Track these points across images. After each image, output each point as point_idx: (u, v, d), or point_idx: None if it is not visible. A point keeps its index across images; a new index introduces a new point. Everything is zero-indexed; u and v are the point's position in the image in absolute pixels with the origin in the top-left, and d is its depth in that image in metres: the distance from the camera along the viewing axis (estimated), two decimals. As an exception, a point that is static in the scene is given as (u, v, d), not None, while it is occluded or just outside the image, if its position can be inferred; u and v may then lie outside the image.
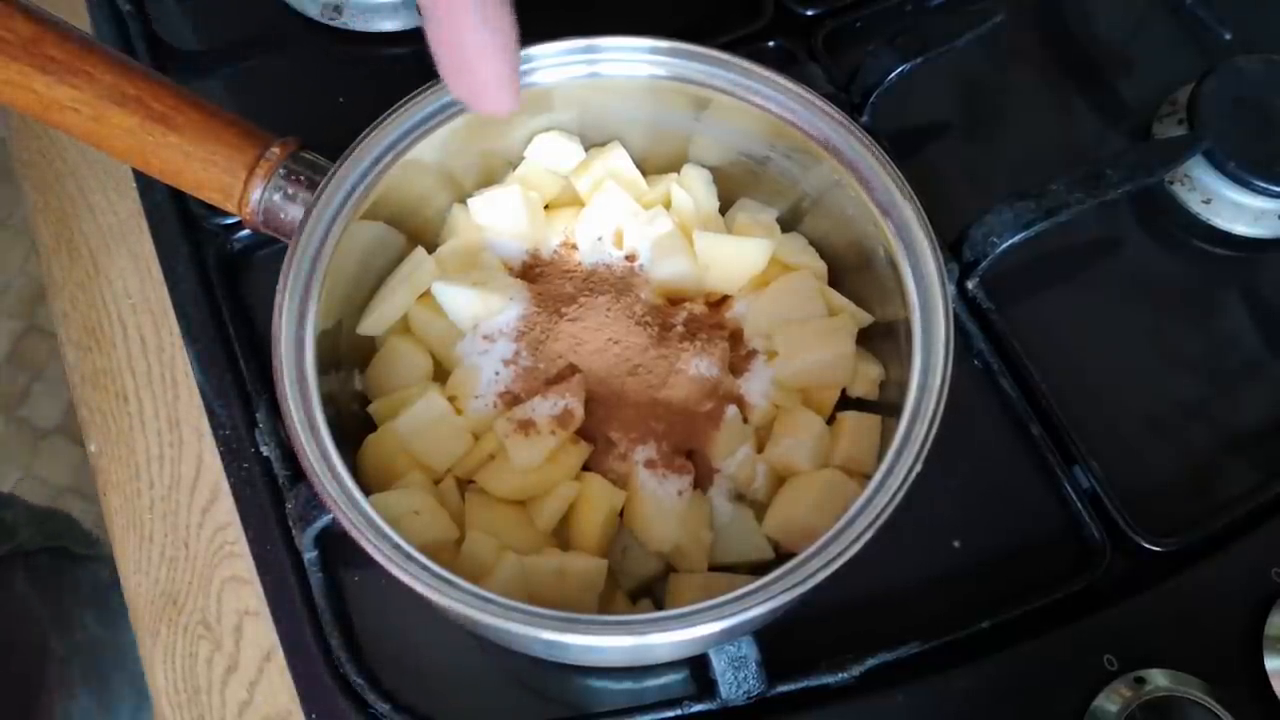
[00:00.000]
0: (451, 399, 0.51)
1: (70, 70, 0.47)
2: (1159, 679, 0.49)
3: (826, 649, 0.51)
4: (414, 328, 0.54)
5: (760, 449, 0.51)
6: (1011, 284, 0.59)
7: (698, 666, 0.51)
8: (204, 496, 0.57)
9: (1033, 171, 0.61)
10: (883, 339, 0.53)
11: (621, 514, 0.50)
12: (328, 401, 0.45)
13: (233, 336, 0.58)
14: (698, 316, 0.53)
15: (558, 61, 0.51)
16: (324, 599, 0.52)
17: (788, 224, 0.56)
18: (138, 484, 0.57)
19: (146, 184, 0.63)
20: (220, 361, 0.58)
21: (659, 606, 0.50)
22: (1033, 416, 0.56)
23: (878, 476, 0.43)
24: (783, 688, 0.50)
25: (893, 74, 0.61)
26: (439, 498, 0.50)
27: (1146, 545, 0.53)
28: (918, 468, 0.43)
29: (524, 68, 0.51)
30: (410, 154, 0.50)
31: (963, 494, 0.55)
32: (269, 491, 0.55)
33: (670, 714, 0.50)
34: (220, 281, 0.60)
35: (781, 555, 0.50)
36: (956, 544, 0.54)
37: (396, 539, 0.42)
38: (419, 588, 0.41)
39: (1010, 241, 0.57)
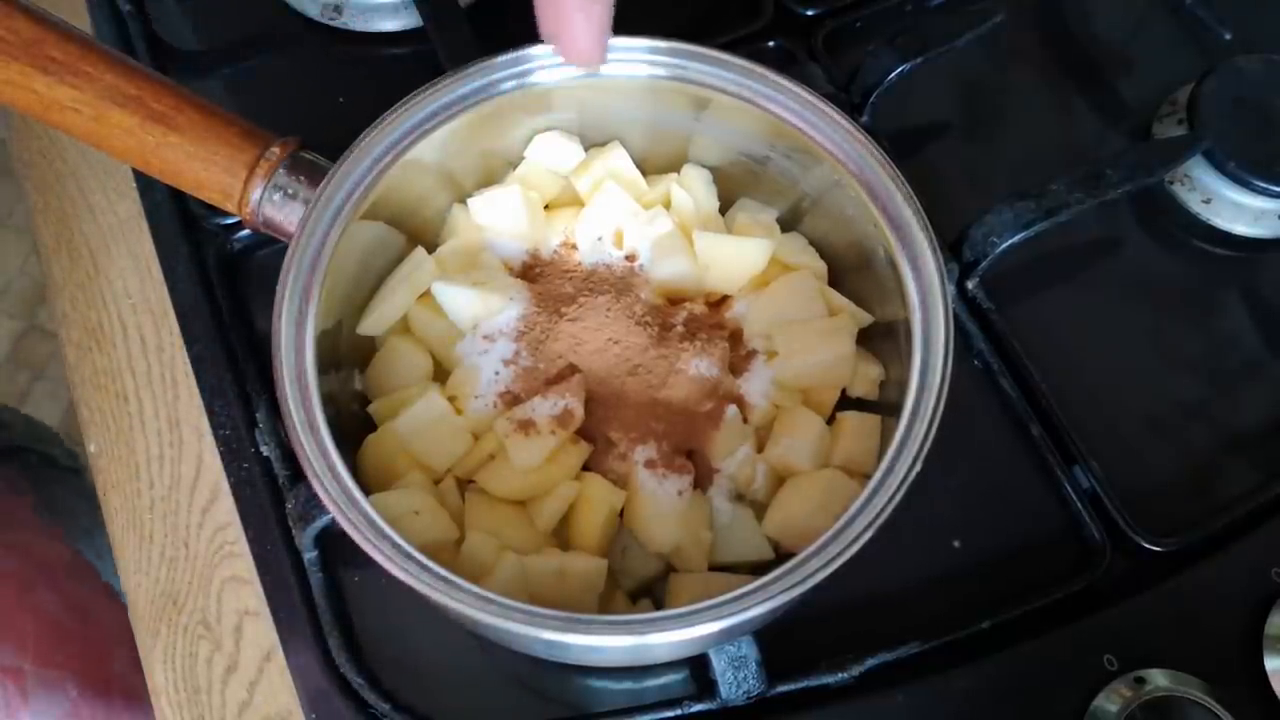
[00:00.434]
0: (451, 399, 0.51)
1: (71, 70, 0.47)
2: (1159, 679, 0.49)
3: (826, 649, 0.51)
4: (414, 328, 0.54)
5: (760, 449, 0.51)
6: (1011, 284, 0.59)
7: (698, 666, 0.51)
8: (204, 496, 0.57)
9: (1033, 171, 0.61)
10: (883, 339, 0.53)
11: (621, 514, 0.50)
12: (328, 401, 0.45)
13: (233, 336, 0.58)
14: (698, 316, 0.53)
15: (558, 61, 0.51)
16: (324, 599, 0.52)
17: (788, 224, 0.56)
18: (138, 484, 0.57)
19: (146, 184, 0.63)
20: (220, 361, 0.58)
21: (659, 606, 0.50)
22: (1033, 416, 0.56)
23: (877, 476, 0.43)
24: (783, 688, 0.50)
25: (893, 74, 0.61)
26: (439, 498, 0.50)
27: (1146, 545, 0.53)
28: (918, 468, 0.43)
29: (524, 67, 0.51)
30: (410, 154, 0.50)
31: (963, 494, 0.55)
32: (269, 491, 0.55)
33: (670, 714, 0.50)
34: (220, 281, 0.60)
35: (781, 555, 0.50)
36: (956, 544, 0.54)
37: (396, 539, 0.42)
38: (419, 588, 0.41)
39: (1010, 241, 0.57)
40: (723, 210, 0.57)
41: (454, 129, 0.51)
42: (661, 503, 0.49)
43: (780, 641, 0.49)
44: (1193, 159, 0.62)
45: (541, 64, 0.51)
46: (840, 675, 0.50)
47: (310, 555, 0.53)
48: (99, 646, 0.70)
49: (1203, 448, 0.58)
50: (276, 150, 0.49)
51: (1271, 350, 0.61)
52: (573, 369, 0.51)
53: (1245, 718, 0.48)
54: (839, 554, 0.42)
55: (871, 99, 0.62)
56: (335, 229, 0.48)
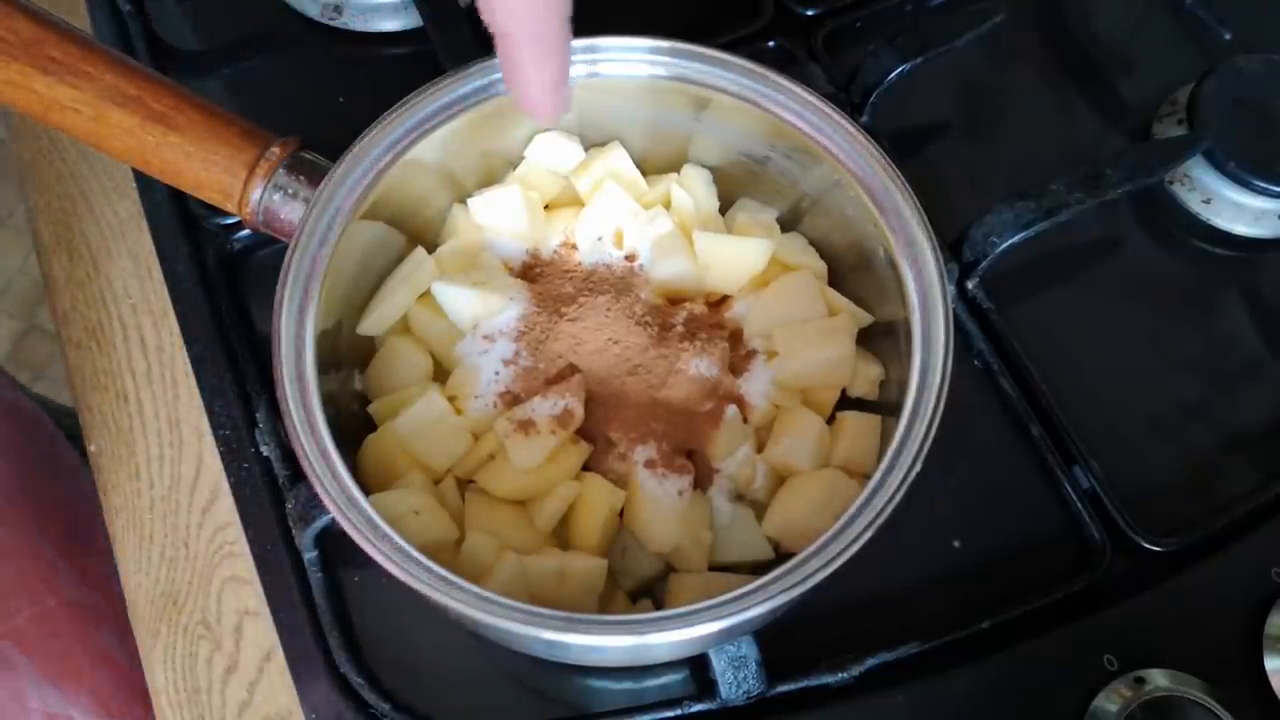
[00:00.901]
0: (451, 399, 0.51)
1: (71, 70, 0.47)
2: (1159, 679, 0.49)
3: (826, 649, 0.51)
4: (414, 328, 0.54)
5: (760, 449, 0.51)
6: (1011, 284, 0.59)
7: (698, 666, 0.51)
8: (204, 496, 0.57)
9: (1033, 171, 0.61)
10: (883, 339, 0.53)
11: (621, 514, 0.50)
12: (328, 401, 0.45)
13: (233, 336, 0.58)
14: (698, 316, 0.53)
15: (558, 61, 0.51)
16: (324, 599, 0.52)
17: (788, 224, 0.56)
18: (138, 484, 0.57)
19: (146, 184, 0.63)
20: (220, 361, 0.58)
21: (659, 606, 0.50)
22: (1033, 416, 0.56)
23: (877, 476, 0.43)
24: (783, 688, 0.50)
25: (893, 74, 0.61)
26: (439, 498, 0.50)
27: (1146, 545, 0.53)
28: (917, 468, 0.43)
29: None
30: (410, 154, 0.50)
31: (963, 494, 0.55)
32: (269, 491, 0.55)
33: (670, 714, 0.50)
34: (220, 281, 0.60)
35: (781, 555, 0.50)
36: (956, 544, 0.54)
37: (396, 539, 0.42)
38: (419, 588, 0.41)
39: (1010, 241, 0.57)
40: (723, 210, 0.57)
41: (454, 129, 0.51)
42: (661, 503, 0.49)
43: (780, 641, 0.49)
44: (1193, 159, 0.62)
45: (541, 64, 0.51)
46: (840, 675, 0.50)
47: (310, 555, 0.53)
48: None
49: (1203, 448, 0.58)
50: (276, 150, 0.49)
51: (1271, 350, 0.61)
52: (573, 369, 0.51)
53: (1245, 718, 0.48)
54: (839, 554, 0.42)
55: (871, 99, 0.62)
56: (335, 229, 0.48)
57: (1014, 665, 0.51)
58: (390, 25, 0.68)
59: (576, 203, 0.56)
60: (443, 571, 0.42)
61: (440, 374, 0.53)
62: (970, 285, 0.58)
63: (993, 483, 0.56)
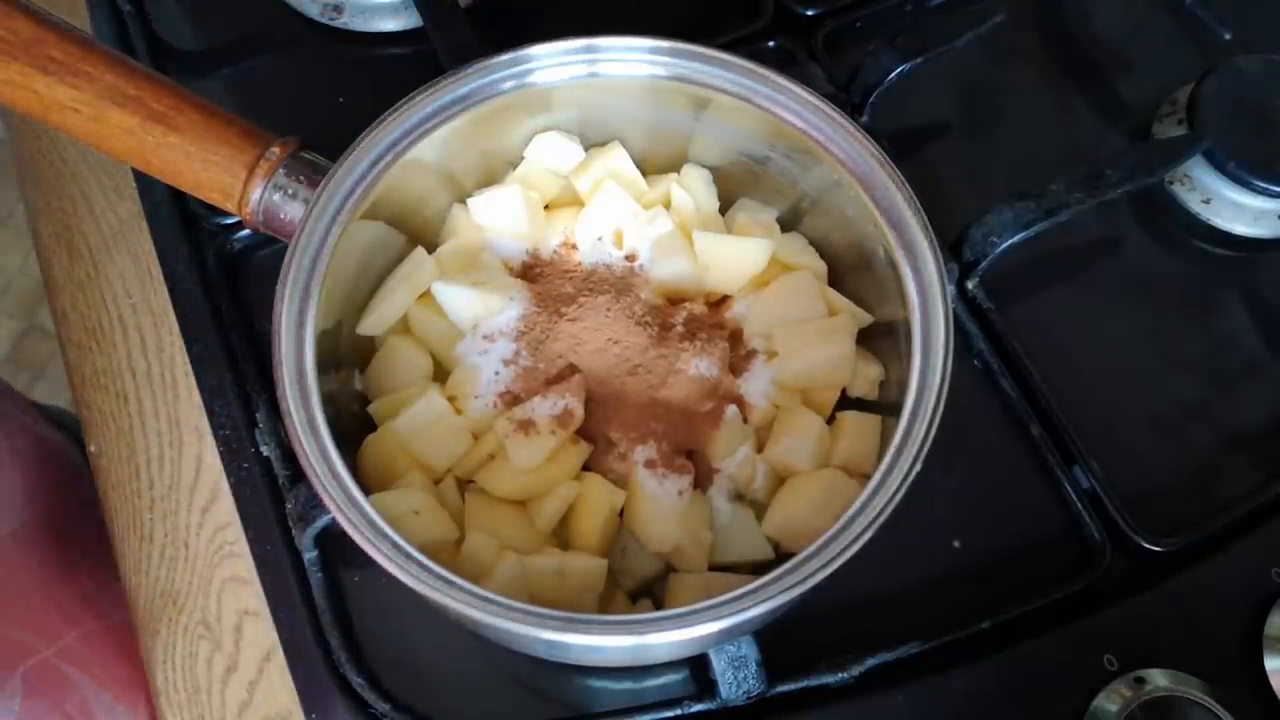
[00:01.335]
0: (451, 399, 0.51)
1: (70, 70, 0.47)
2: (1159, 679, 0.49)
3: (826, 649, 0.51)
4: (414, 328, 0.54)
5: (760, 449, 0.51)
6: (1011, 284, 0.59)
7: (698, 666, 0.51)
8: (204, 496, 0.57)
9: (1033, 171, 0.61)
10: (883, 339, 0.53)
11: (621, 514, 0.50)
12: (328, 401, 0.45)
13: (233, 336, 0.58)
14: (698, 316, 0.53)
15: (558, 61, 0.51)
16: (324, 599, 0.52)
17: (788, 224, 0.56)
18: (138, 484, 0.57)
19: (146, 184, 0.63)
20: (220, 361, 0.58)
21: (659, 606, 0.50)
22: (1033, 416, 0.56)
23: (877, 476, 0.43)
24: (783, 688, 0.50)
25: (893, 74, 0.61)
26: (439, 498, 0.50)
27: (1146, 545, 0.53)
28: (917, 468, 0.43)
29: (524, 67, 0.51)
30: (410, 154, 0.50)
31: (963, 494, 0.55)
32: (269, 491, 0.55)
33: (670, 714, 0.50)
34: (220, 281, 0.60)
35: (781, 555, 0.50)
36: (956, 544, 0.54)
37: (396, 539, 0.42)
38: (419, 588, 0.41)
39: (1010, 241, 0.57)
40: (723, 210, 0.57)
41: (454, 129, 0.51)
42: (661, 503, 0.49)
43: (780, 641, 0.49)
44: (1193, 159, 0.62)
45: (541, 64, 0.51)
46: (840, 675, 0.50)
47: (310, 555, 0.53)
48: None
49: (1203, 448, 0.58)
50: (276, 150, 0.49)
51: (1271, 350, 0.61)
52: (573, 369, 0.51)
53: (1245, 718, 0.48)
54: (839, 554, 0.42)
55: (871, 99, 0.62)
56: (335, 229, 0.48)
57: (1014, 665, 0.51)
58: (390, 25, 0.68)
59: (576, 203, 0.56)
60: (443, 571, 0.42)
61: (440, 374, 0.53)
62: (970, 285, 0.58)
63: (993, 483, 0.56)
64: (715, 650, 0.48)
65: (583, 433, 0.51)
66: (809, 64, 0.66)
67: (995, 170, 0.66)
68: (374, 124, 0.50)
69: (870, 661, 0.50)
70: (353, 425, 0.51)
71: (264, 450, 0.55)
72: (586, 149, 0.56)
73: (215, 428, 0.57)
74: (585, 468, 0.51)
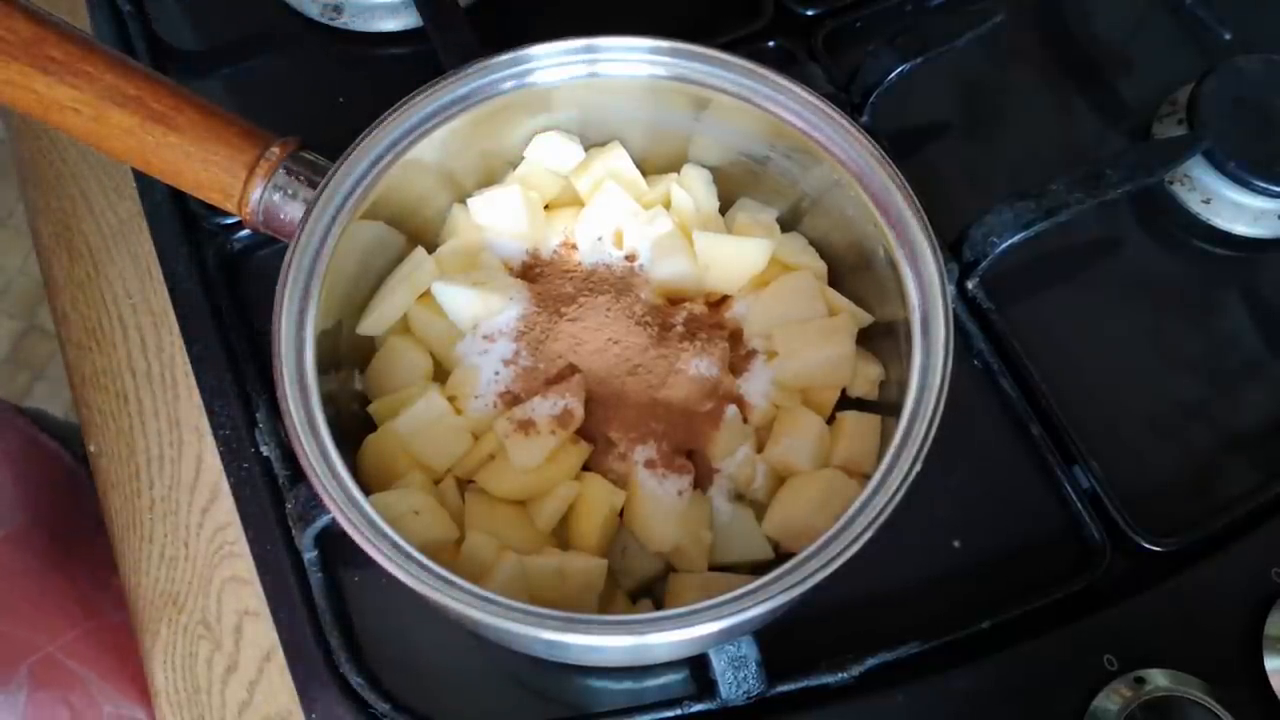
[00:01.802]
0: (451, 399, 0.51)
1: (70, 70, 0.47)
2: (1159, 679, 0.49)
3: (826, 649, 0.51)
4: (414, 328, 0.54)
5: (760, 449, 0.51)
6: (1011, 284, 0.59)
7: (698, 666, 0.51)
8: (204, 496, 0.57)
9: (1033, 171, 0.61)
10: (883, 339, 0.53)
11: (621, 514, 0.50)
12: (328, 401, 0.45)
13: (233, 336, 0.58)
14: (698, 316, 0.53)
15: (558, 61, 0.51)
16: (324, 599, 0.52)
17: (788, 224, 0.56)
18: (138, 484, 0.57)
19: (146, 184, 0.63)
20: (220, 361, 0.58)
21: (659, 606, 0.50)
22: (1033, 416, 0.56)
23: (877, 476, 0.43)
24: (783, 688, 0.50)
25: (893, 74, 0.61)
26: (439, 498, 0.50)
27: (1146, 545, 0.53)
28: (917, 468, 0.43)
29: (524, 67, 0.51)
30: (410, 154, 0.50)
31: (963, 494, 0.55)
32: (269, 491, 0.55)
33: (670, 714, 0.50)
34: (220, 281, 0.60)
35: (781, 555, 0.50)
36: (956, 544, 0.54)
37: (396, 539, 0.42)
38: (419, 588, 0.41)
39: (1010, 241, 0.57)
40: (723, 210, 0.57)
41: (454, 129, 0.51)
42: (661, 503, 0.49)
43: (780, 641, 0.49)
44: (1193, 159, 0.62)
45: (541, 64, 0.51)
46: (840, 675, 0.50)
47: (310, 555, 0.53)
48: None
49: (1203, 448, 0.58)
50: (276, 150, 0.49)
51: (1271, 350, 0.61)
52: (573, 369, 0.51)
53: (1245, 718, 0.48)
54: (839, 554, 0.42)
55: (871, 99, 0.62)
56: (335, 229, 0.48)
57: (1014, 665, 0.51)
58: (390, 25, 0.68)
59: (576, 203, 0.56)
60: (443, 571, 0.42)
61: (440, 374, 0.53)
62: (970, 285, 0.58)
63: (993, 483, 0.56)
64: (715, 650, 0.48)
65: (583, 433, 0.51)
66: (809, 64, 0.66)
67: (995, 170, 0.66)
68: (374, 124, 0.50)
69: (870, 661, 0.50)
70: (353, 425, 0.51)
71: (264, 450, 0.55)
72: (586, 149, 0.56)
73: (215, 428, 0.57)
74: (585, 468, 0.51)
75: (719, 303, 0.55)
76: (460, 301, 0.52)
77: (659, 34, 0.51)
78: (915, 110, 0.67)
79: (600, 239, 0.55)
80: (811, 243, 0.56)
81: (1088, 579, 0.52)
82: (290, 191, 0.49)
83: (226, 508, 0.56)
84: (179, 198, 0.61)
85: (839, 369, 0.52)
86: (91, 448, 0.59)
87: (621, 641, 0.41)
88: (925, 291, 0.47)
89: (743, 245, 0.53)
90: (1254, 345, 0.61)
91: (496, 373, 0.52)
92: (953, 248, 0.58)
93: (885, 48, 0.62)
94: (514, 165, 0.56)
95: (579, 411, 0.50)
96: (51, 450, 0.77)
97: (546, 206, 0.56)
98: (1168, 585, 0.53)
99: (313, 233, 0.48)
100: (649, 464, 0.50)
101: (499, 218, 0.54)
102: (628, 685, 0.52)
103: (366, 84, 0.67)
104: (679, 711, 0.50)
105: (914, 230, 0.48)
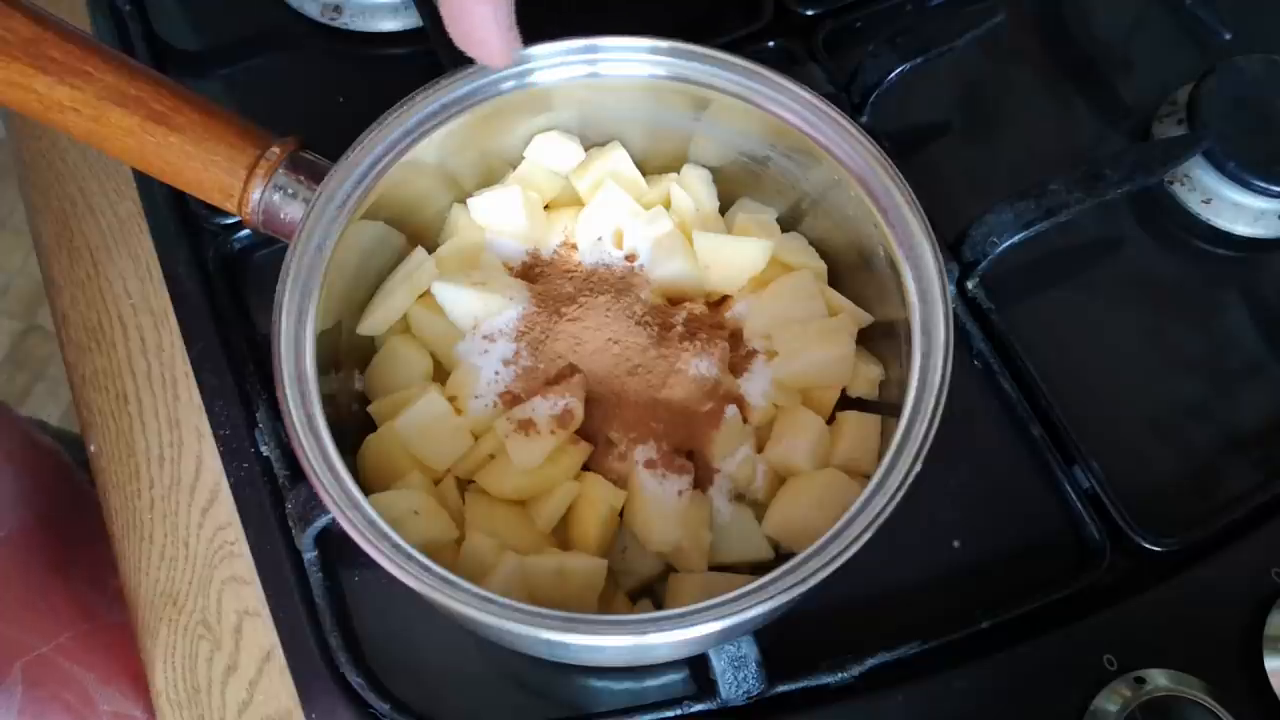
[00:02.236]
0: (451, 399, 0.51)
1: (70, 70, 0.47)
2: (1159, 679, 0.49)
3: (826, 649, 0.51)
4: (414, 328, 0.54)
5: (760, 449, 0.51)
6: (1011, 284, 0.59)
7: (698, 666, 0.51)
8: (204, 496, 0.57)
9: (1033, 171, 0.61)
10: (883, 339, 0.53)
11: (621, 514, 0.50)
12: (328, 401, 0.45)
13: (233, 336, 0.58)
14: (698, 316, 0.53)
15: (558, 61, 0.51)
16: (324, 599, 0.52)
17: (788, 224, 0.56)
18: (138, 484, 0.57)
19: (146, 184, 0.63)
20: (220, 361, 0.58)
21: (659, 606, 0.50)
22: (1033, 416, 0.56)
23: (877, 476, 0.43)
24: (783, 688, 0.50)
25: (893, 74, 0.61)
26: (439, 498, 0.50)
27: (1146, 545, 0.53)
28: (917, 467, 0.43)
29: (524, 68, 0.51)
30: (410, 154, 0.50)
31: (963, 494, 0.55)
32: (269, 491, 0.55)
33: (670, 714, 0.50)
34: (220, 281, 0.60)
35: (781, 555, 0.50)
36: (956, 544, 0.54)
37: (396, 539, 0.42)
38: (419, 588, 0.41)
39: (1010, 241, 0.57)
40: (723, 210, 0.57)
41: (454, 129, 0.51)
42: (661, 502, 0.49)
43: (780, 641, 0.49)
44: (1193, 159, 0.62)
45: (541, 64, 0.51)
46: (840, 675, 0.50)
47: (310, 555, 0.53)
48: None
49: (1203, 448, 0.58)
50: (276, 150, 0.49)
51: (1271, 350, 0.61)
52: (573, 369, 0.51)
53: (1245, 718, 0.48)
54: (839, 554, 0.42)
55: (871, 99, 0.63)
56: (335, 229, 0.48)
57: (1014, 665, 0.51)
58: (390, 25, 0.68)
59: (576, 203, 0.56)
60: (443, 571, 0.42)
61: (440, 374, 0.53)
62: (970, 285, 0.58)
63: (993, 483, 0.56)
64: (715, 650, 0.48)
65: (583, 433, 0.51)
66: (809, 64, 0.66)
67: (995, 170, 0.66)
68: (374, 124, 0.49)
69: (870, 661, 0.50)
70: (353, 425, 0.51)
71: (264, 450, 0.55)
72: (586, 149, 0.56)
73: (215, 428, 0.57)
74: (585, 468, 0.51)
75: (719, 303, 0.55)
76: (460, 301, 0.52)
77: (659, 34, 0.51)
78: (915, 110, 0.67)
79: (600, 239, 0.55)
80: (811, 243, 0.56)
81: (1088, 579, 0.52)
82: (290, 191, 0.49)
83: (226, 508, 0.56)
84: (179, 198, 0.61)
85: (839, 369, 0.52)
86: (91, 448, 0.59)
87: (621, 641, 0.41)
88: (925, 291, 0.47)
89: (742, 245, 0.53)
90: (1254, 345, 0.61)
91: (496, 373, 0.52)
92: (953, 248, 0.58)
93: (885, 48, 0.62)
94: (514, 165, 0.56)
95: (579, 411, 0.50)
96: (51, 450, 0.78)
97: (546, 206, 0.56)
98: (1168, 585, 0.53)
99: (313, 233, 0.48)
100: (649, 464, 0.50)
101: (499, 218, 0.54)
102: (628, 685, 0.52)
103: (366, 84, 0.67)
104: (679, 711, 0.50)
105: (914, 230, 0.48)
